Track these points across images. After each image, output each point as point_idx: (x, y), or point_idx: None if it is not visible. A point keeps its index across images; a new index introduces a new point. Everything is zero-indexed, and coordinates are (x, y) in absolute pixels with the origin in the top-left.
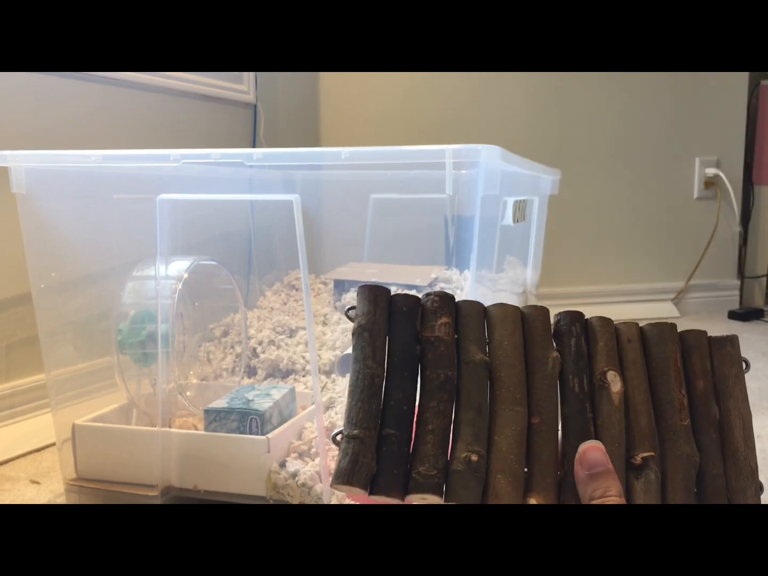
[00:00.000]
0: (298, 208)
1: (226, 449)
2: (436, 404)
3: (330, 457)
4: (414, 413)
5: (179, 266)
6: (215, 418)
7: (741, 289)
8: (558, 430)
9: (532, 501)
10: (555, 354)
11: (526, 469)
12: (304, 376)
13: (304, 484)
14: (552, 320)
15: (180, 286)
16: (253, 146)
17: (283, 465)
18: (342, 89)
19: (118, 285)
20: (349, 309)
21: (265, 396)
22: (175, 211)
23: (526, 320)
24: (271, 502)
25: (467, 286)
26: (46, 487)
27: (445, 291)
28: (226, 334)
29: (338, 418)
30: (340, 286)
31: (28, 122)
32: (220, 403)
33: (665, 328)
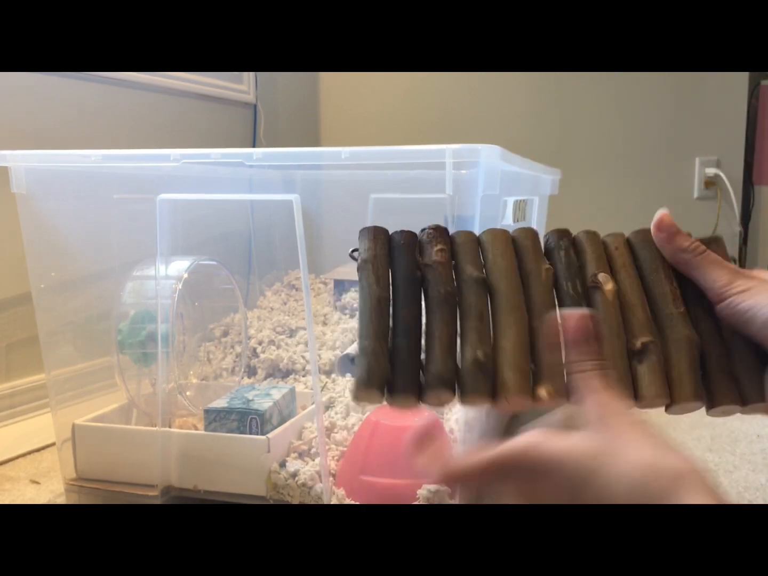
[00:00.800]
0: (298, 208)
1: (226, 449)
2: (440, 315)
3: (330, 457)
4: (421, 329)
5: (179, 266)
6: (215, 418)
7: None
8: (559, 331)
9: (542, 391)
10: (547, 266)
11: (532, 366)
12: (304, 376)
13: (304, 484)
14: (541, 241)
15: (180, 286)
16: (253, 146)
17: (283, 465)
18: (342, 89)
19: (118, 285)
20: (353, 250)
21: (265, 396)
22: (175, 211)
23: (517, 240)
24: (271, 502)
25: None
26: (46, 487)
27: (438, 224)
28: (226, 334)
29: (338, 418)
30: (340, 286)
31: (28, 122)
32: (220, 403)
33: (647, 233)
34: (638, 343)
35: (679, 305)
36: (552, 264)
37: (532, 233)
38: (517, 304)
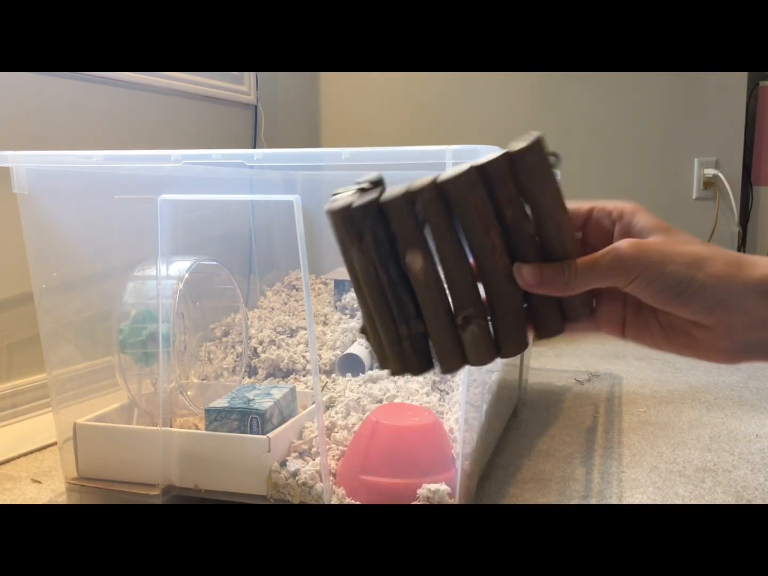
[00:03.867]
0: (298, 209)
1: (227, 448)
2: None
3: (330, 457)
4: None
5: (180, 266)
6: (216, 418)
7: None
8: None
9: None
10: (359, 249)
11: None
12: (304, 376)
13: (304, 484)
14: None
15: (181, 286)
16: (254, 147)
17: (283, 464)
18: (342, 89)
19: (120, 285)
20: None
21: (265, 395)
22: (176, 212)
23: (338, 225)
24: (272, 502)
25: None
26: (47, 486)
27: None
28: (226, 333)
29: (338, 417)
30: (341, 286)
31: (29, 122)
32: (221, 403)
33: (462, 175)
34: (459, 319)
35: (499, 257)
36: (365, 248)
37: (337, 217)
38: (356, 289)
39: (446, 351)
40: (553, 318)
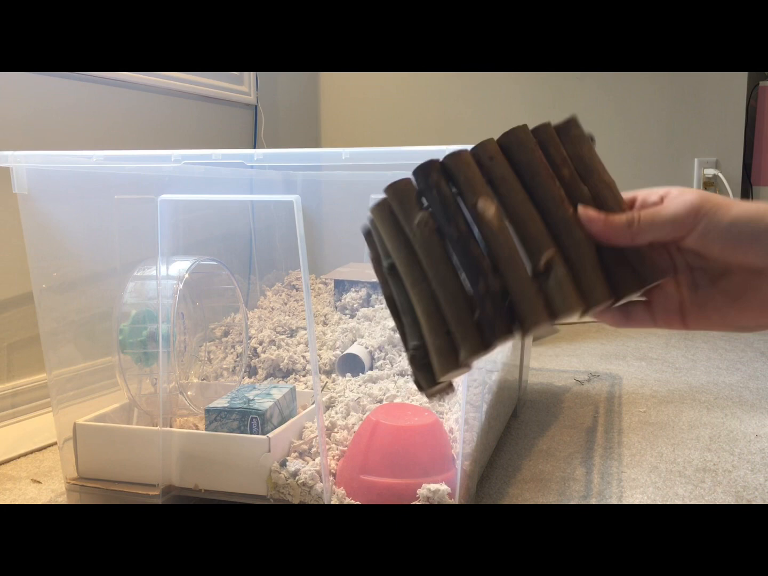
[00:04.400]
0: (298, 209)
1: (227, 449)
2: None
3: (330, 457)
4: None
5: (180, 266)
6: (216, 418)
7: None
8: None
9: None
10: (420, 217)
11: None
12: (304, 376)
13: (304, 484)
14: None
15: (181, 286)
16: (254, 147)
17: (283, 464)
18: (342, 89)
19: (120, 285)
20: None
21: (265, 395)
22: (176, 212)
23: (393, 204)
24: (272, 502)
25: None
26: (47, 486)
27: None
28: (226, 333)
29: (338, 417)
30: (340, 286)
31: (29, 122)
32: (221, 403)
33: (519, 132)
34: (542, 263)
35: (567, 206)
36: (430, 206)
37: (396, 189)
38: (414, 280)
39: (531, 303)
40: (629, 274)
